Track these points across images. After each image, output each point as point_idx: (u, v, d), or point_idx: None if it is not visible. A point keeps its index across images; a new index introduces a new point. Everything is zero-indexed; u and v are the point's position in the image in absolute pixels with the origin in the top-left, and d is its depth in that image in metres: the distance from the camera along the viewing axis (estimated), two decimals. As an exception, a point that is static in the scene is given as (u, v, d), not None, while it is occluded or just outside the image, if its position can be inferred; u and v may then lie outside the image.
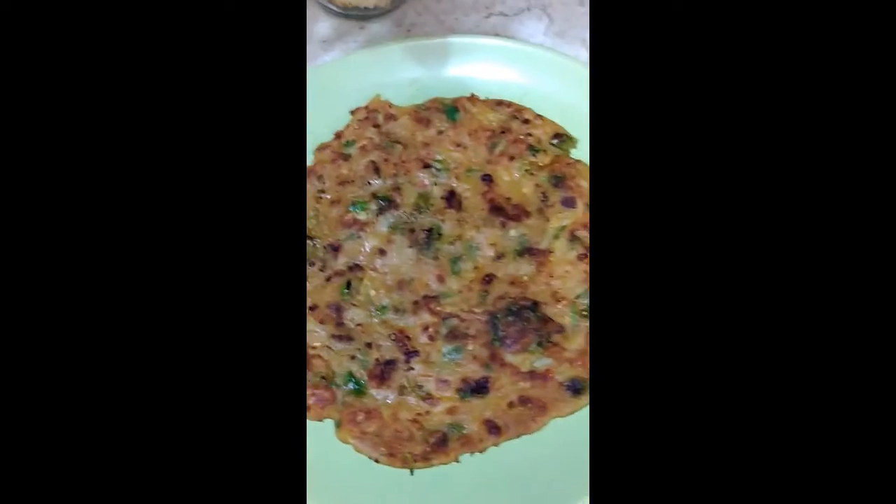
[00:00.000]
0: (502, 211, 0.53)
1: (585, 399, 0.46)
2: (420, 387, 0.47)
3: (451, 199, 0.54)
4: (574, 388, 0.46)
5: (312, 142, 0.56)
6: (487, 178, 0.54)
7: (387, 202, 0.53)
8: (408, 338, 0.49)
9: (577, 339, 0.48)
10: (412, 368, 0.47)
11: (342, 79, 0.58)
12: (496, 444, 0.45)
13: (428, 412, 0.46)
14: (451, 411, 0.46)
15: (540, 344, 0.48)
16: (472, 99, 0.57)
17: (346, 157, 0.55)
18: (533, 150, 0.55)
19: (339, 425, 0.46)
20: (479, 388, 0.47)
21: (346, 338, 0.49)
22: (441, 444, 0.45)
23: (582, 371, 0.47)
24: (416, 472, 0.44)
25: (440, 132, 0.56)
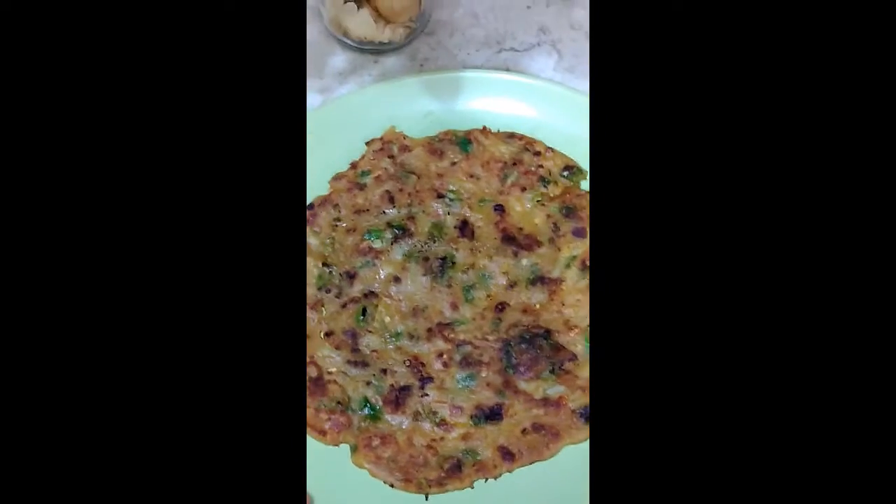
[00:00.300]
0: (514, 240, 0.54)
1: (598, 426, 0.47)
2: (434, 413, 0.47)
3: (465, 228, 0.55)
4: (587, 416, 0.47)
5: (328, 171, 0.57)
6: (500, 209, 0.56)
7: (401, 231, 0.54)
8: (422, 364, 0.49)
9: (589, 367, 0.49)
10: (427, 395, 0.48)
11: (358, 110, 0.59)
12: (510, 471, 0.46)
13: (442, 438, 0.47)
14: (465, 437, 0.47)
15: (553, 371, 0.49)
16: (485, 131, 0.59)
17: (362, 187, 0.57)
18: (544, 181, 0.57)
19: (354, 450, 0.46)
20: (492, 415, 0.47)
21: (362, 363, 0.49)
22: (456, 470, 0.45)
23: (594, 398, 0.48)
24: (431, 497, 0.45)
25: (453, 163, 0.58)
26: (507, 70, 0.63)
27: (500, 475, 0.45)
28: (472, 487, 0.45)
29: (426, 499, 0.45)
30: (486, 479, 0.45)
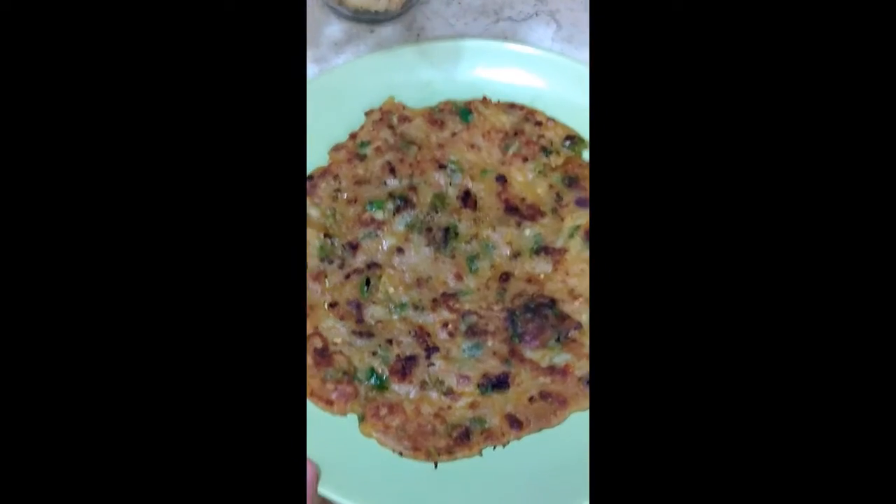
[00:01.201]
0: (517, 210, 0.54)
1: (604, 393, 0.47)
2: (441, 382, 0.47)
3: (467, 198, 0.55)
4: (593, 383, 0.47)
5: (327, 142, 0.56)
6: (502, 179, 0.55)
7: (403, 202, 0.54)
8: (428, 334, 0.49)
9: (595, 335, 0.49)
10: (433, 364, 0.48)
11: (355, 81, 0.58)
12: (518, 438, 0.46)
13: (450, 407, 0.47)
14: (472, 406, 0.47)
15: (558, 340, 0.49)
16: (485, 101, 0.58)
17: (362, 158, 0.56)
18: (546, 151, 0.56)
19: (362, 420, 0.46)
20: (499, 384, 0.47)
21: (367, 334, 0.49)
22: (464, 438, 0.45)
23: (600, 366, 0.48)
24: (440, 465, 0.45)
25: (454, 133, 0.57)
26: (506, 39, 0.63)
27: (508, 442, 0.46)
28: (481, 455, 0.45)
29: (435, 466, 0.45)
30: (495, 447, 0.45)
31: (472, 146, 0.57)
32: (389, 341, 0.49)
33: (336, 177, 0.55)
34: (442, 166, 0.56)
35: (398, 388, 0.47)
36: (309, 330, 0.49)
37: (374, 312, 0.50)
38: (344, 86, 0.58)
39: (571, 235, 0.53)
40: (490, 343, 0.49)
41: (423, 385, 0.47)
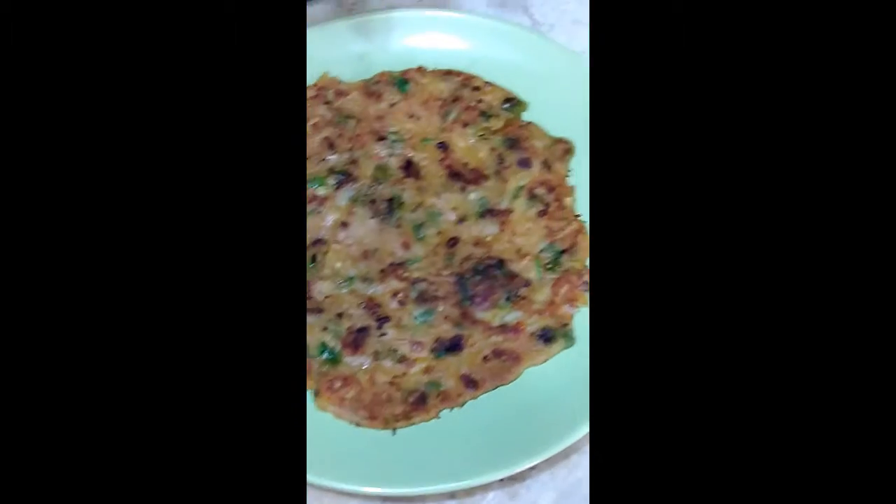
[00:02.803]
0: (461, 176, 0.54)
1: (557, 346, 0.47)
2: (394, 350, 0.47)
3: (409, 168, 0.54)
4: (545, 337, 0.47)
5: (264, 123, 0.55)
6: (443, 146, 0.55)
7: (345, 176, 0.53)
8: (378, 305, 0.49)
9: (544, 291, 0.49)
10: (385, 334, 0.48)
11: (289, 59, 0.57)
12: (474, 398, 0.46)
13: (405, 373, 0.46)
14: (427, 370, 0.47)
15: (509, 299, 0.49)
16: (421, 70, 0.58)
17: (300, 135, 0.55)
18: (485, 115, 0.56)
19: (317, 394, 0.46)
20: (453, 347, 0.47)
21: (317, 310, 0.49)
22: (420, 403, 0.45)
23: (551, 320, 0.48)
24: (399, 431, 0.45)
25: (392, 105, 0.57)
26: (439, 7, 0.62)
27: (465, 403, 0.46)
28: (439, 417, 0.45)
29: (393, 433, 0.45)
30: (452, 408, 0.45)
31: (412, 116, 0.56)
32: (339, 315, 0.48)
33: (275, 156, 0.54)
34: (382, 138, 0.55)
35: (351, 361, 0.47)
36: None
37: (321, 288, 0.49)
38: (277, 65, 0.57)
39: (516, 196, 0.53)
40: (441, 308, 0.49)
41: (376, 355, 0.47)
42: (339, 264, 0.50)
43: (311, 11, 0.63)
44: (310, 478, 0.42)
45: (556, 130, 0.55)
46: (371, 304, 0.49)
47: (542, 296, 0.49)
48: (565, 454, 0.44)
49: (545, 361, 0.47)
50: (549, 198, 0.53)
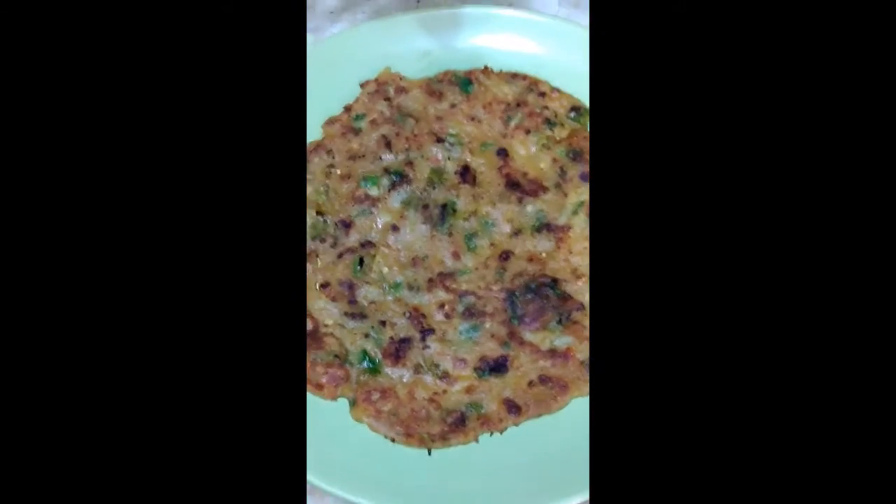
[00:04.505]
0: (518, 186, 0.51)
1: (608, 378, 0.45)
2: (437, 365, 0.45)
3: (466, 173, 0.52)
4: (596, 367, 0.45)
5: (321, 115, 0.54)
6: (503, 153, 0.53)
7: (399, 177, 0.51)
8: (423, 315, 0.47)
9: (598, 317, 0.47)
10: (428, 347, 0.46)
11: (351, 50, 0.56)
12: (516, 424, 0.44)
13: (445, 391, 0.45)
14: (469, 390, 0.45)
15: (560, 322, 0.47)
16: (486, 71, 0.56)
17: (357, 132, 0.54)
18: (550, 123, 0.54)
19: (353, 404, 0.44)
20: (497, 367, 0.45)
21: (360, 315, 0.47)
22: (459, 424, 0.43)
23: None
24: (434, 452, 0.43)
25: (453, 105, 0.54)
26: (510, 5, 0.59)
27: (506, 429, 0.44)
28: (477, 441, 0.43)
29: (429, 453, 0.43)
30: (492, 433, 0.43)
31: (472, 118, 0.54)
32: (383, 323, 0.47)
33: (329, 151, 0.53)
34: (440, 140, 0.53)
35: (391, 372, 0.45)
36: (300, 311, 0.47)
37: (367, 293, 0.48)
38: (339, 56, 0.55)
39: (575, 212, 0.50)
40: (488, 325, 0.47)
41: (417, 368, 0.45)
42: (386, 269, 0.49)
43: (377, 2, 0.61)
44: (338, 491, 0.41)
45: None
46: (416, 314, 0.47)
47: (595, 322, 0.46)
48: (608, 494, 0.42)
49: (594, 392, 0.45)
50: (611, 217, 0.50)
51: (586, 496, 0.40)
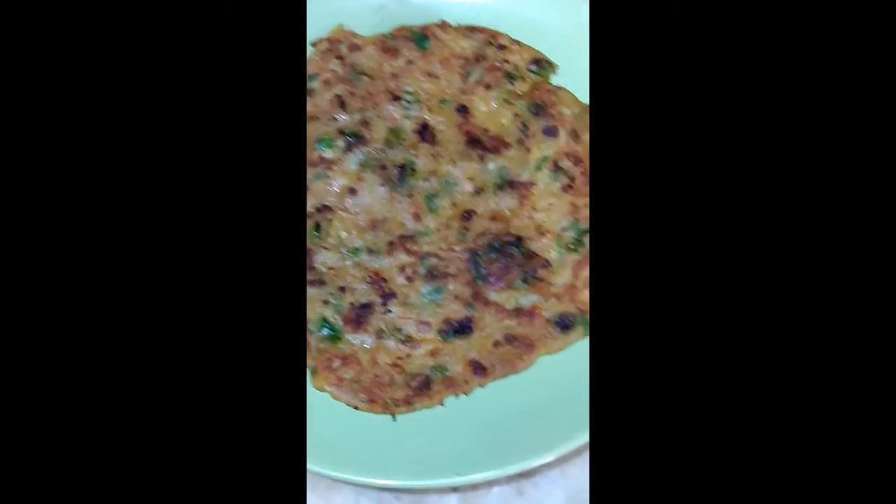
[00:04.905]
0: (480, 143, 0.50)
1: (575, 334, 0.44)
2: (399, 330, 0.44)
3: (424, 132, 0.50)
4: (563, 324, 0.44)
5: (272, 77, 0.52)
6: (462, 110, 0.51)
7: (355, 138, 0.49)
8: (384, 280, 0.45)
9: (565, 274, 0.46)
10: (390, 311, 0.44)
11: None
12: (482, 385, 0.43)
13: (409, 355, 0.43)
14: (433, 353, 0.43)
15: (525, 280, 0.45)
16: (443, 25, 0.53)
17: (310, 92, 0.51)
18: (510, 77, 0.52)
19: (314, 373, 0.43)
20: (462, 329, 0.44)
21: (318, 282, 0.45)
22: (424, 388, 0.42)
23: (570, 306, 0.44)
24: (399, 417, 0.42)
25: (409, 62, 0.52)
26: (466, -44, 0.57)
27: (472, 390, 0.42)
28: (443, 405, 0.42)
29: (394, 419, 0.42)
30: (458, 395, 0.42)
31: (430, 75, 0.52)
32: (342, 289, 0.45)
33: (281, 114, 0.50)
34: (397, 98, 0.51)
35: (352, 339, 0.44)
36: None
37: (325, 259, 0.46)
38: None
39: (539, 167, 0.49)
40: (451, 286, 0.45)
41: (379, 334, 0.44)
42: (344, 234, 0.47)
43: (328, -43, 0.58)
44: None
45: (588, 96, 0.51)
46: (376, 279, 0.45)
47: (561, 279, 0.45)
48: (578, 452, 0.41)
49: (561, 350, 0.44)
50: (575, 171, 0.48)
51: (556, 454, 0.39)
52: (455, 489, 0.42)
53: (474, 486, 0.42)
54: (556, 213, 0.47)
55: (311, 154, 0.49)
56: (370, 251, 0.46)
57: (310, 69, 0.52)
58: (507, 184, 0.48)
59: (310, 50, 0.53)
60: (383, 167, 0.49)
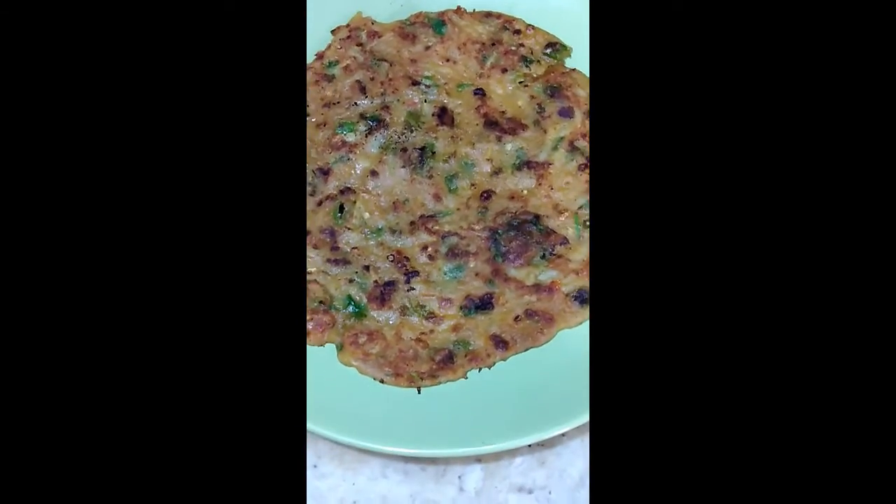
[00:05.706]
0: (497, 125, 0.51)
1: (593, 309, 0.45)
2: (422, 306, 0.45)
3: (443, 115, 0.51)
4: (581, 299, 0.45)
5: (293, 64, 0.53)
6: (480, 93, 0.52)
7: (376, 122, 0.51)
8: (406, 258, 0.47)
9: (582, 250, 0.47)
10: (413, 289, 0.46)
11: (320, -3, 0.54)
12: (504, 359, 0.44)
13: (432, 331, 0.45)
14: (455, 328, 0.45)
15: (543, 257, 0.46)
16: (459, 11, 0.54)
17: (330, 78, 0.53)
18: (526, 61, 0.53)
19: (340, 348, 0.44)
20: (483, 305, 0.45)
21: (343, 261, 0.47)
22: (447, 361, 0.43)
23: (588, 281, 0.45)
24: (424, 390, 0.43)
25: (427, 47, 0.53)
26: (481, -57, 0.58)
27: (494, 363, 0.44)
28: (466, 378, 0.43)
29: (418, 391, 0.43)
30: (480, 369, 0.44)
31: (448, 60, 0.53)
32: (367, 268, 0.46)
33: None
34: (416, 83, 0.52)
35: (377, 315, 0.45)
36: (282, 260, 0.46)
37: (349, 239, 0.48)
38: (308, 3, 0.54)
39: (555, 147, 0.50)
40: (472, 264, 0.46)
41: (403, 310, 0.45)
42: (367, 215, 0.48)
43: (345, -54, 0.59)
44: (331, 433, 0.41)
45: (602, 79, 0.52)
46: (399, 258, 0.47)
47: (579, 255, 0.46)
48: (598, 421, 0.42)
49: (580, 324, 0.45)
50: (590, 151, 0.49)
51: (577, 423, 0.40)
52: (479, 459, 0.43)
53: (497, 456, 0.43)
54: (572, 191, 0.48)
55: (334, 138, 0.50)
56: (392, 231, 0.48)
57: (330, 56, 0.53)
58: (525, 164, 0.49)
59: (329, 37, 0.54)
60: (404, 150, 0.50)
